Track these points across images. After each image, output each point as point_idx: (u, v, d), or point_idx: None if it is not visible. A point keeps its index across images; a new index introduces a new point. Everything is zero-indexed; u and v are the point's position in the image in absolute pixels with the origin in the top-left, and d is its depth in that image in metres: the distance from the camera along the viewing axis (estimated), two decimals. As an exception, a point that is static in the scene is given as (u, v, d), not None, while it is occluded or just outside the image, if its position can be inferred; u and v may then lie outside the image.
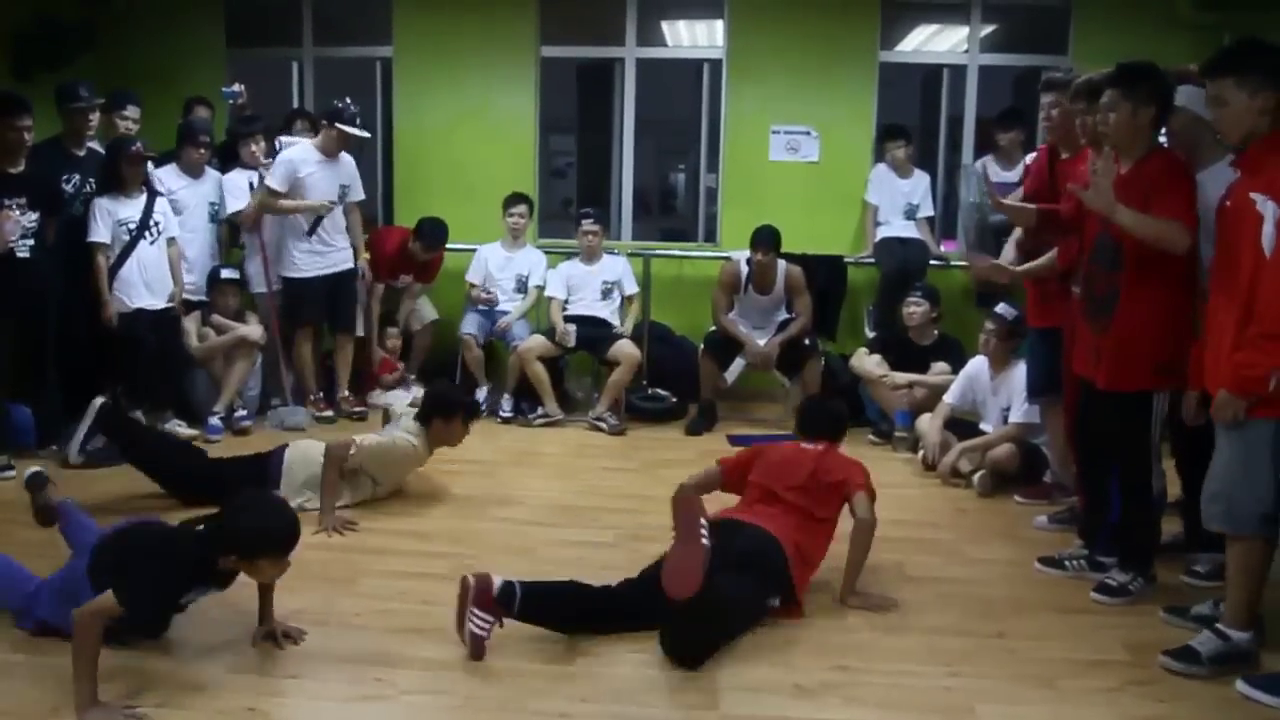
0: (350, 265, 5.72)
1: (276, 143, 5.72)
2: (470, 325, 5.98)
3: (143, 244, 5.09)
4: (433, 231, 6.03)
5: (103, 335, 5.11)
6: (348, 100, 5.57)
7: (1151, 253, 3.06)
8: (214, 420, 5.31)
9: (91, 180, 5.06)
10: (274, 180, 5.42)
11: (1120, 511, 3.40)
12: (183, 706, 2.57)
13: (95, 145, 5.21)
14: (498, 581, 2.87)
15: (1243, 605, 2.81)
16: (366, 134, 5.60)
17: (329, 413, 5.69)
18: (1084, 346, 3.39)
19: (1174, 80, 3.27)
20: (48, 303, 4.75)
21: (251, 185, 5.64)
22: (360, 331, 6.02)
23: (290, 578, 3.38)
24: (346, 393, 5.86)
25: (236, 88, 5.84)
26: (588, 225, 6.03)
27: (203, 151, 5.52)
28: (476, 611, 2.83)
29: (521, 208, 6.18)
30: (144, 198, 5.12)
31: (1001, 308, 4.76)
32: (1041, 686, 2.76)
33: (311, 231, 5.55)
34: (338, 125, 5.46)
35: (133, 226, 5.06)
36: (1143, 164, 3.18)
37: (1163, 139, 3.36)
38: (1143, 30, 5.97)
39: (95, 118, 5.09)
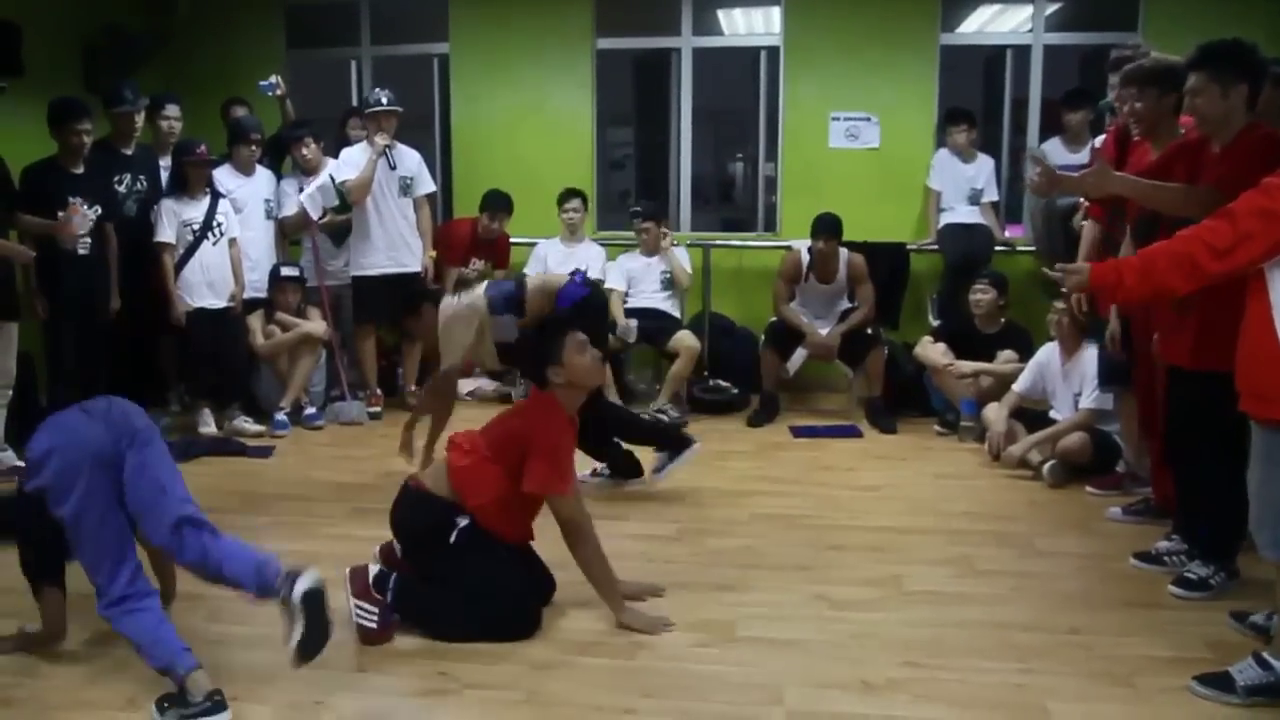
0: (418, 268, 5.76)
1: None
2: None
3: (205, 245, 5.21)
4: (496, 199, 6.10)
5: (163, 334, 5.26)
6: (375, 89, 5.67)
7: None
8: (280, 416, 5.40)
9: (142, 178, 5.18)
10: (341, 176, 5.53)
11: (1208, 501, 3.26)
12: (255, 700, 2.62)
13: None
14: (373, 570, 2.98)
15: None
16: (385, 104, 5.57)
17: (377, 408, 5.76)
18: (1165, 328, 3.27)
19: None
20: (104, 302, 4.87)
21: (301, 188, 5.73)
22: None
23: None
24: (413, 387, 5.95)
25: (273, 79, 5.88)
26: (639, 224, 6.01)
27: (254, 149, 5.61)
28: (359, 603, 2.92)
29: (576, 202, 6.18)
30: (207, 199, 5.23)
31: None
32: (1118, 684, 2.68)
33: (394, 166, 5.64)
34: (366, 115, 5.62)
35: (196, 228, 5.18)
36: (1236, 141, 3.02)
37: None
38: (1219, 2, 5.76)
39: (141, 119, 5.21)
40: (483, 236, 6.17)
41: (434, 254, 5.90)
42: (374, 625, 2.91)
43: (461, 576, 2.97)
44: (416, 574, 3.04)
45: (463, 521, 2.96)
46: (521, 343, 2.99)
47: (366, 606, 2.92)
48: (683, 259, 6.04)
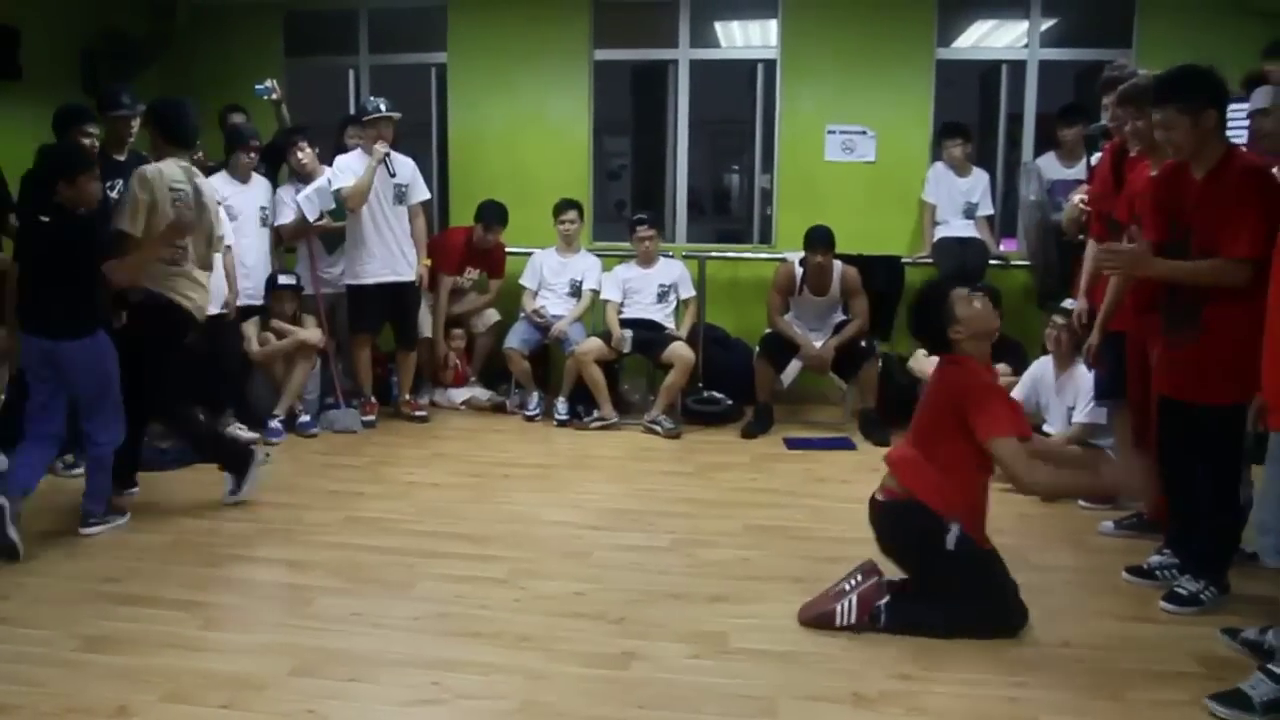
0: (413, 277, 5.77)
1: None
2: (513, 339, 6.01)
3: None
4: (491, 210, 6.13)
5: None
6: (371, 97, 5.69)
7: None
8: (274, 423, 5.40)
9: None
10: (338, 183, 5.54)
11: (1201, 517, 3.27)
12: (245, 708, 2.61)
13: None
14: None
15: None
16: (384, 111, 5.59)
17: (372, 416, 5.76)
18: (1166, 361, 3.26)
19: (1252, 82, 3.17)
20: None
21: (297, 191, 5.73)
22: (427, 332, 6.11)
23: (348, 581, 3.45)
24: (407, 396, 5.95)
25: (269, 83, 5.87)
26: (643, 231, 6.02)
27: (252, 156, 5.59)
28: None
29: (572, 213, 6.19)
30: None
31: (1070, 303, 4.65)
32: (1110, 699, 2.69)
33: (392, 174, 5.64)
34: (364, 123, 5.65)
35: (190, 234, 5.16)
36: (1220, 171, 3.03)
37: (1235, 135, 3.26)
38: (1212, 20, 5.80)
39: (136, 124, 5.19)
40: (477, 246, 6.19)
41: (428, 262, 5.90)
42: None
43: (957, 577, 3.04)
44: (910, 579, 3.16)
45: (954, 528, 3.00)
46: (919, 318, 3.16)
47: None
48: (684, 283, 6.07)
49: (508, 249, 6.37)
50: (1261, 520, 2.59)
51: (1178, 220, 3.13)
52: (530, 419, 5.94)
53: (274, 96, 5.87)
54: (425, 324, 6.13)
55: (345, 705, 2.65)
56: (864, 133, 6.49)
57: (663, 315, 6.01)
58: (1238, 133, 3.87)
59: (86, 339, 3.80)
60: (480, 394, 6.26)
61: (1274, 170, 3.09)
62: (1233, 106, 4.01)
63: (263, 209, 5.68)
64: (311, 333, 5.59)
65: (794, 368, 5.67)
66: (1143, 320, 3.49)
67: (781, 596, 3.35)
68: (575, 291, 6.15)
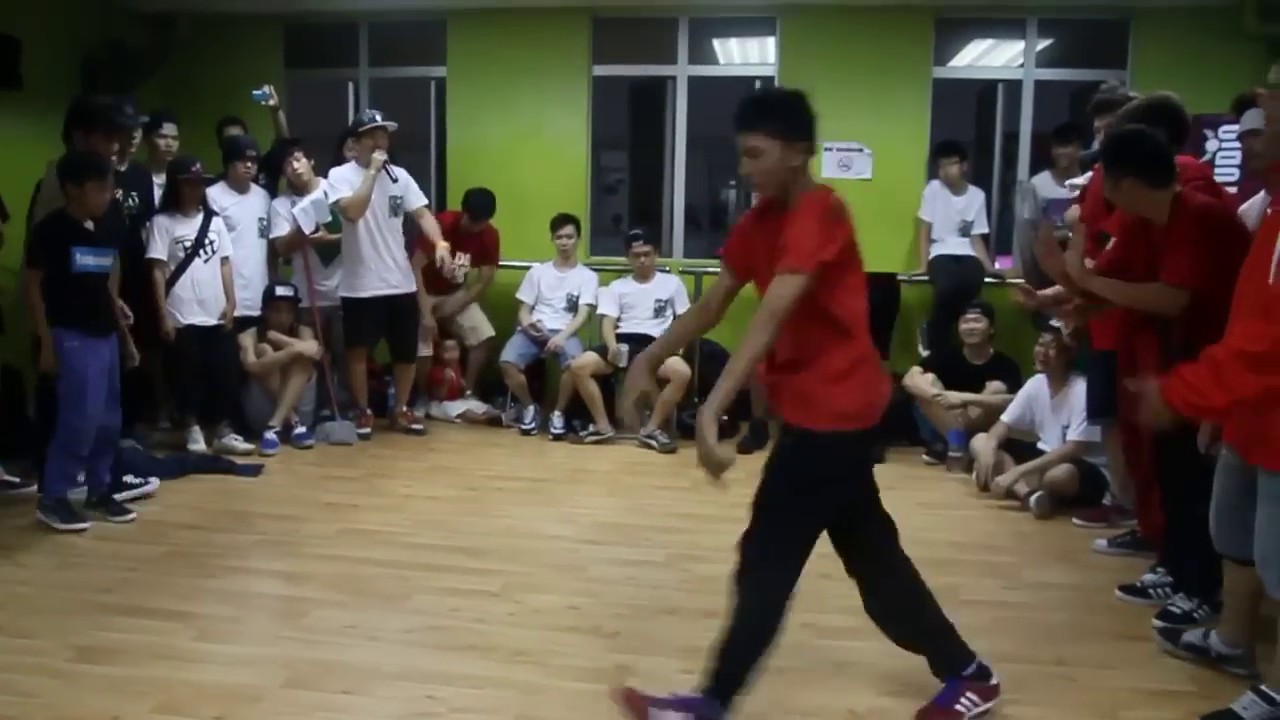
0: (411, 289, 5.76)
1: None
2: (510, 353, 6.01)
3: (197, 262, 5.21)
4: (478, 201, 6.11)
5: (153, 348, 5.25)
6: (367, 109, 5.71)
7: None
8: (270, 435, 5.39)
9: (134, 195, 5.18)
10: (335, 194, 5.53)
11: (1197, 537, 3.27)
12: (239, 720, 2.61)
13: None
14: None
15: None
16: (379, 121, 5.55)
17: (367, 429, 5.76)
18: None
19: (1243, 104, 3.21)
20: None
21: (294, 205, 5.72)
22: (426, 351, 6.09)
23: (343, 593, 3.45)
24: (404, 408, 5.94)
25: (266, 89, 5.89)
26: (639, 247, 6.03)
27: (249, 166, 5.60)
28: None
29: (569, 228, 6.20)
30: (200, 217, 5.23)
31: (1058, 321, 4.68)
32: (1103, 717, 2.69)
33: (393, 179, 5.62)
34: (359, 135, 5.62)
35: (188, 245, 5.18)
36: (1171, 218, 3.13)
37: (1228, 152, 3.29)
38: (1205, 43, 5.85)
39: (138, 136, 5.21)
40: (464, 231, 6.16)
41: (446, 244, 5.69)
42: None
43: None
44: None
45: None
46: None
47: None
48: (681, 298, 6.08)
49: (504, 263, 6.36)
50: (1264, 554, 2.58)
51: (1152, 264, 3.19)
52: (526, 433, 5.95)
53: (271, 102, 5.88)
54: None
55: (339, 718, 2.65)
56: (861, 150, 6.52)
57: (659, 330, 6.00)
58: (1231, 154, 3.92)
59: (52, 331, 4.05)
60: (476, 407, 6.26)
61: (1246, 206, 3.14)
62: (1224, 128, 4.06)
63: (261, 219, 5.69)
64: (308, 345, 5.59)
65: (790, 383, 5.67)
66: (1134, 339, 3.51)
67: (776, 612, 3.35)
68: (572, 306, 6.17)
